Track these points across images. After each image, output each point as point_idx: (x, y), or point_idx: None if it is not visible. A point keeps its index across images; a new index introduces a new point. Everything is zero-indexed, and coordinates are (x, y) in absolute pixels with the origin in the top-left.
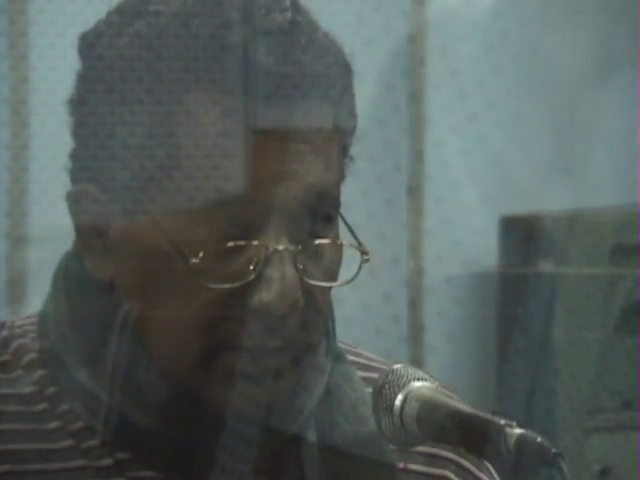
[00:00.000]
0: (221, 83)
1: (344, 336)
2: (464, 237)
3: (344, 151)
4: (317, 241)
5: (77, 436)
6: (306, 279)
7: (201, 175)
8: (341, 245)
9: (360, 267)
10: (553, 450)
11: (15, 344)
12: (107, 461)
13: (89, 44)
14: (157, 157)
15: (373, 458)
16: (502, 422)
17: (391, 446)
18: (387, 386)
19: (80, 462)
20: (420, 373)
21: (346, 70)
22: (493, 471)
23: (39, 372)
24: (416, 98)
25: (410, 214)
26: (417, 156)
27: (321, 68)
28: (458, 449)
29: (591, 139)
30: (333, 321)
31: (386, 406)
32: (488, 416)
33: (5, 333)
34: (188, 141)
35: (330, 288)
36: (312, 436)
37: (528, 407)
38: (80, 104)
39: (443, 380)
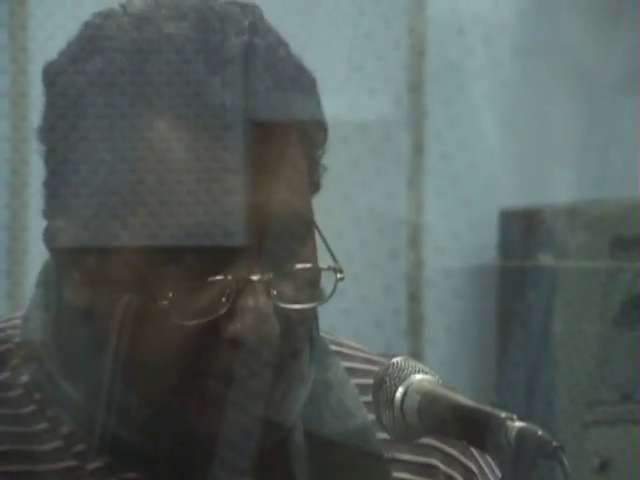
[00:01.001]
0: (182, 118)
1: (344, 328)
2: (464, 230)
3: (315, 165)
4: (296, 266)
5: (67, 438)
6: (281, 305)
7: (165, 211)
8: (318, 268)
9: (335, 287)
10: (554, 443)
11: (0, 349)
12: (97, 463)
13: (51, 78)
14: (121, 193)
15: (361, 450)
16: (503, 415)
17: (383, 436)
18: (387, 379)
19: (70, 463)
20: (420, 366)
21: (309, 85)
22: (479, 457)
23: (24, 378)
24: (416, 91)
25: (410, 207)
26: (417, 149)
27: (281, 92)
28: (446, 439)
29: (591, 132)
30: (317, 327)
31: (387, 399)
32: (489, 409)
33: None
34: (151, 177)
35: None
36: (299, 436)
37: (527, 400)
38: (47, 134)
39: (443, 373)
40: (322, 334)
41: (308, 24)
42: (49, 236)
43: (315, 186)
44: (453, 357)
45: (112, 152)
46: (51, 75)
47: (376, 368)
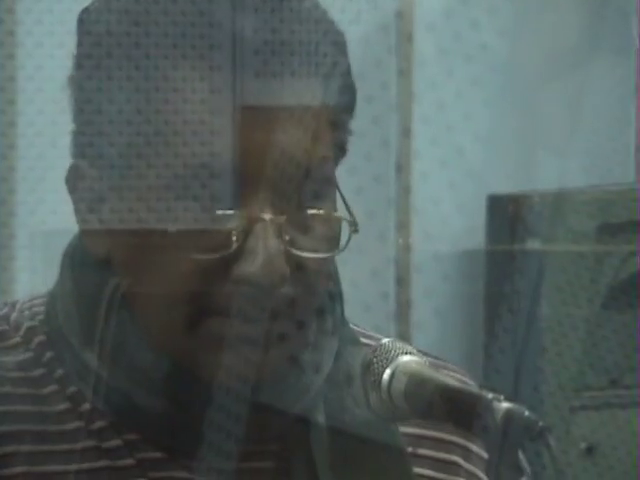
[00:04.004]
0: (208, 58)
1: None
2: (452, 214)
3: (337, 126)
4: (308, 212)
5: (86, 417)
6: (294, 250)
7: (186, 148)
8: (337, 218)
9: (349, 239)
10: (540, 424)
11: (25, 326)
12: (116, 442)
13: (80, 22)
14: (143, 132)
15: (383, 442)
16: (490, 396)
17: (405, 431)
18: (375, 360)
19: (89, 443)
20: (408, 347)
21: (337, 42)
22: None
23: (48, 354)
24: (404, 75)
25: (398, 191)
26: (405, 133)
27: (308, 40)
28: (466, 434)
29: (578, 119)
30: (341, 298)
31: (374, 380)
32: (476, 390)
33: (15, 315)
34: (174, 114)
35: (331, 260)
36: (321, 419)
37: (515, 385)
38: (73, 82)
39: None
40: (353, 327)
41: None
42: (72, 178)
43: (339, 149)
44: (441, 341)
45: (138, 92)
46: (81, 17)
47: None
